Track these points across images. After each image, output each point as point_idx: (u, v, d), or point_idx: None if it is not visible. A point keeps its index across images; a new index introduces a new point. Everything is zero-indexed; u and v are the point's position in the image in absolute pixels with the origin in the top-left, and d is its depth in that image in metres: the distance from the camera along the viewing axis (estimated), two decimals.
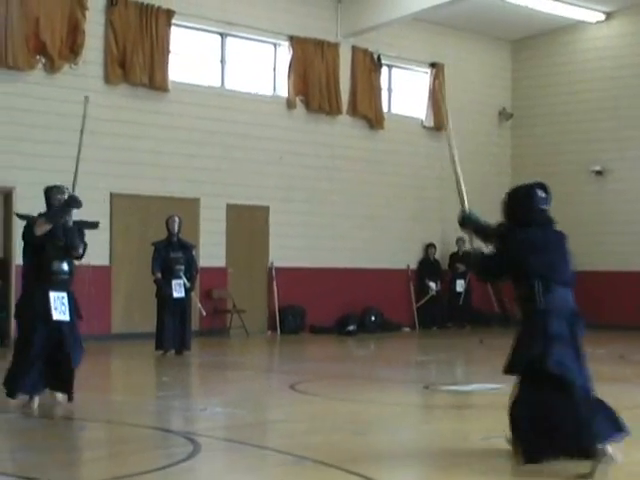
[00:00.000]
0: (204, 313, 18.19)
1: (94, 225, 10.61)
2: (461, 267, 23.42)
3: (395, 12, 21.82)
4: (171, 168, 19.63)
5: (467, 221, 7.90)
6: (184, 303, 16.22)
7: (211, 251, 19.93)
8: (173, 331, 16.06)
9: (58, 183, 10.71)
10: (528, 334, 7.16)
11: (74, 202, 10.22)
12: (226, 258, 20.47)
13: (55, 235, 10.01)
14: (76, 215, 10.65)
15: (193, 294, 16.94)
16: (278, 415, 10.17)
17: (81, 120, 11.00)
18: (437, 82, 24.03)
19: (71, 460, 7.45)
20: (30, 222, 10.17)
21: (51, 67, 18.14)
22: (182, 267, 16.17)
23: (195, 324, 18.18)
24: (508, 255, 7.24)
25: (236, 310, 20.23)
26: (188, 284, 16.19)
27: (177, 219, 16.30)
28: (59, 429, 8.99)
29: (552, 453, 6.98)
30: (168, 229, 16.27)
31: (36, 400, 9.87)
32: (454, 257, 23.83)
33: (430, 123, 24.07)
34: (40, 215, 10.17)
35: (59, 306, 9.96)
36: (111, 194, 18.86)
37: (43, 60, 18.09)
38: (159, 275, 16.07)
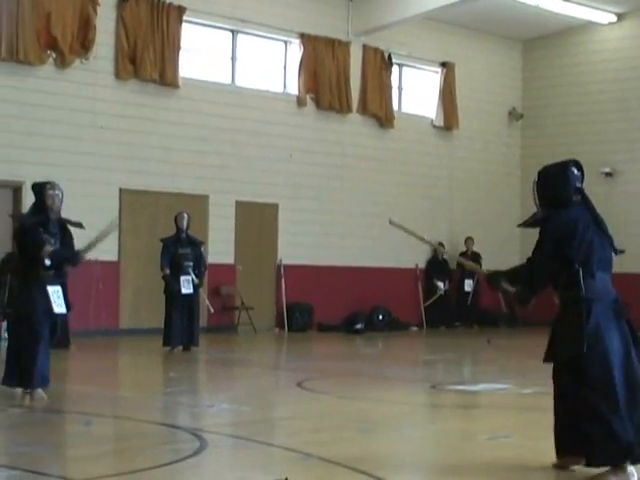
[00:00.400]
0: (212, 310, 18.21)
1: (79, 225, 10.53)
2: None
3: (406, 11, 21.82)
4: (180, 164, 19.65)
5: (496, 277, 7.42)
6: (192, 299, 16.22)
7: (220, 248, 19.94)
8: (181, 327, 16.07)
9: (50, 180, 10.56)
10: (571, 325, 6.77)
11: (78, 261, 10.16)
12: (235, 255, 20.49)
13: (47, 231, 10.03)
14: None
15: (201, 290, 16.94)
16: (285, 412, 10.17)
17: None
18: (447, 82, 24.06)
19: (77, 455, 7.45)
20: (23, 227, 10.13)
21: (62, 62, 18.15)
22: (190, 263, 16.18)
23: (203, 321, 18.19)
24: (551, 242, 6.84)
25: (244, 307, 20.25)
26: (196, 280, 16.19)
27: (186, 215, 16.30)
28: (65, 424, 9.00)
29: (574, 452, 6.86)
30: (177, 225, 16.28)
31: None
32: (463, 256, 23.83)
33: (440, 122, 24.08)
34: (41, 235, 9.94)
35: (56, 299, 9.98)
36: (120, 190, 18.87)
37: (54, 55, 18.12)
38: (167, 271, 16.08)
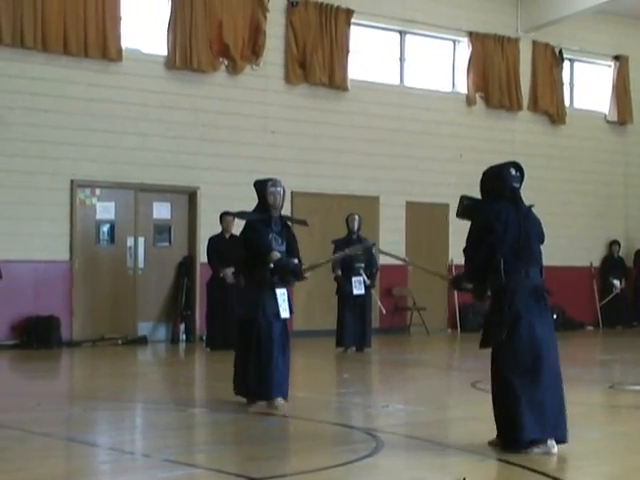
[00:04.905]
0: (384, 311, 18.23)
1: (303, 222, 10.55)
2: None
3: (577, 5, 21.40)
4: (351, 166, 19.78)
5: (458, 279, 7.98)
6: (364, 300, 16.30)
7: (391, 249, 19.80)
8: (353, 328, 16.17)
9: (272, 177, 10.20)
10: (494, 313, 7.44)
11: (300, 276, 10.18)
12: (406, 255, 20.43)
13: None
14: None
15: (373, 291, 16.99)
16: (460, 413, 10.10)
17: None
18: (621, 76, 23.50)
19: (256, 454, 7.57)
20: (249, 226, 9.87)
21: (234, 69, 18.53)
22: (362, 264, 16.26)
23: (375, 322, 18.25)
24: (478, 230, 7.69)
25: (416, 308, 20.23)
26: (368, 281, 16.26)
27: (357, 217, 16.39)
28: (245, 423, 9.15)
29: None
30: (348, 227, 16.38)
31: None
32: (639, 254, 23.29)
33: (614, 117, 23.57)
34: (268, 243, 9.79)
35: (282, 303, 9.74)
36: (292, 193, 19.11)
37: (226, 62, 18.50)
38: (339, 272, 16.20)
